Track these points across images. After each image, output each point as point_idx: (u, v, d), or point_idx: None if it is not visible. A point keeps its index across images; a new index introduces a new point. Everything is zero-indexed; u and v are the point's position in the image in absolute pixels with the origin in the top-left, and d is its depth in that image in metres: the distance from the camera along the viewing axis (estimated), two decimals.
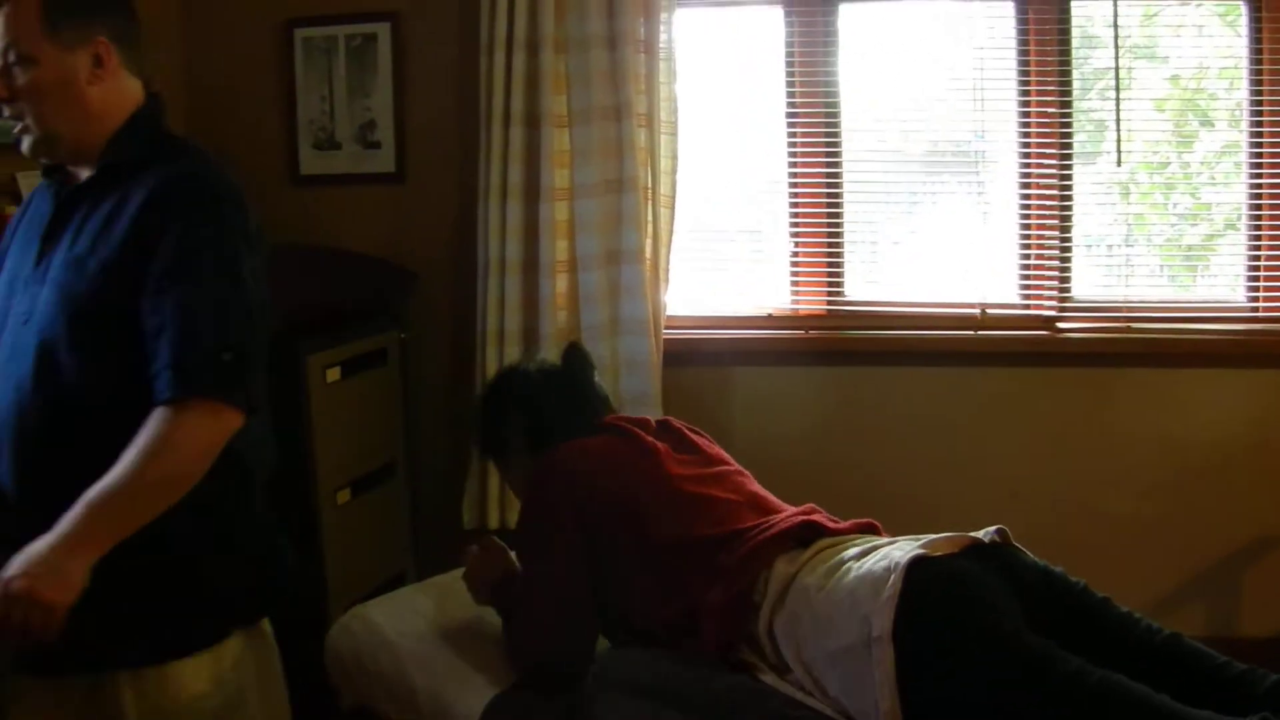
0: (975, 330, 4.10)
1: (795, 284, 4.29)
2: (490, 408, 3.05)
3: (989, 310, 4.10)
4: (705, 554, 2.50)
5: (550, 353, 4.02)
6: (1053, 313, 4.09)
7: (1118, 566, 4.02)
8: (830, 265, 4.26)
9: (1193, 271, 4.23)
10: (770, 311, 4.29)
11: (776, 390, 4.26)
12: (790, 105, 4.21)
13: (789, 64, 4.20)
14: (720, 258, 4.47)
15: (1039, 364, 4.10)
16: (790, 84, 4.21)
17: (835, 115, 4.19)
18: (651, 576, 2.55)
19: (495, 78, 4.03)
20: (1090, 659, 2.12)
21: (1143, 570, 4.09)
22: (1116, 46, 3.93)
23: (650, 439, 2.79)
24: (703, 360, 4.28)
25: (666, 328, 4.20)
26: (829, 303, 4.25)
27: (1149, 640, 2.27)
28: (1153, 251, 4.20)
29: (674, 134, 4.08)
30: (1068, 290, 4.13)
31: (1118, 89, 3.94)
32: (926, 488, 4.12)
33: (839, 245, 4.26)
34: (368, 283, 4.34)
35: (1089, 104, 4.10)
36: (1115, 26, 3.95)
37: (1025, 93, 4.05)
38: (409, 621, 2.93)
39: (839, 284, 4.26)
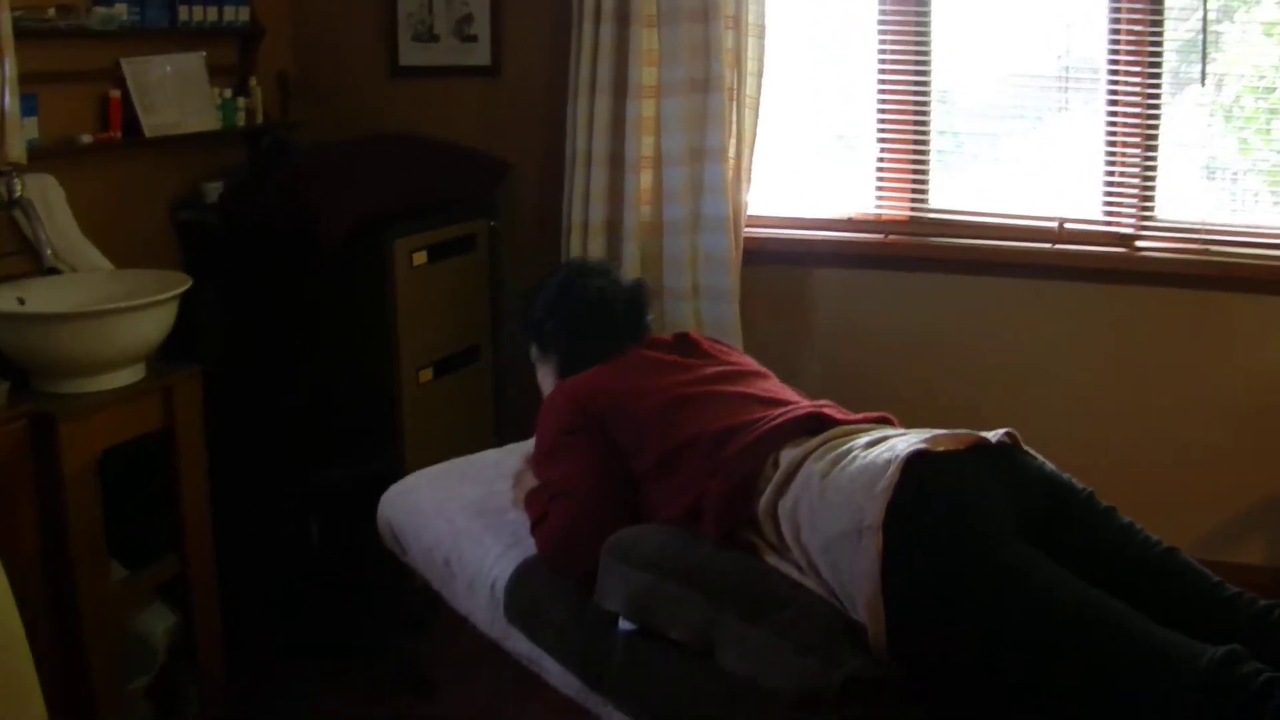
0: (1053, 244, 4.11)
1: (880, 189, 4.33)
2: (540, 310, 3.19)
3: (1067, 225, 4.11)
4: (708, 449, 2.58)
5: (630, 254, 4.14)
6: (1131, 230, 4.07)
7: (1183, 490, 4.08)
8: (915, 172, 4.29)
9: None
10: (852, 215, 4.34)
11: (853, 293, 4.32)
12: (882, 10, 4.22)
13: None
14: (804, 160, 4.50)
15: (1115, 281, 4.07)
16: None
17: (925, 23, 4.20)
18: (658, 481, 2.65)
19: None
20: (1083, 568, 2.15)
21: (1206, 496, 4.11)
22: None
23: (657, 355, 2.93)
24: (782, 260, 4.35)
25: (747, 226, 4.27)
26: (912, 209, 4.29)
27: (1144, 554, 2.27)
28: (1246, 176, 4.14)
29: (761, 36, 4.11)
30: (1149, 210, 4.09)
31: (1205, 10, 3.90)
32: (994, 399, 4.16)
33: (925, 152, 4.28)
34: (461, 172, 4.47)
35: (1190, 26, 4.03)
36: None
37: (1116, 10, 4.02)
38: (455, 492, 3.08)
39: (923, 191, 4.29)
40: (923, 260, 4.23)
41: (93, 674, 3.24)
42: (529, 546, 2.72)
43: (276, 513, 4.12)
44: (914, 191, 4.28)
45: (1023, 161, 4.23)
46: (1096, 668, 2.01)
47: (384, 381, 4.10)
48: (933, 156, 4.30)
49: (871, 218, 4.33)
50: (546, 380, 3.17)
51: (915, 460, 2.22)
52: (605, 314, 3.09)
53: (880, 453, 2.31)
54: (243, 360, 4.20)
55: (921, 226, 4.27)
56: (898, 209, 4.30)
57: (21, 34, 3.38)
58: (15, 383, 3.13)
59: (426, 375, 4.21)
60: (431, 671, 3.94)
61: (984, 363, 4.21)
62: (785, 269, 4.35)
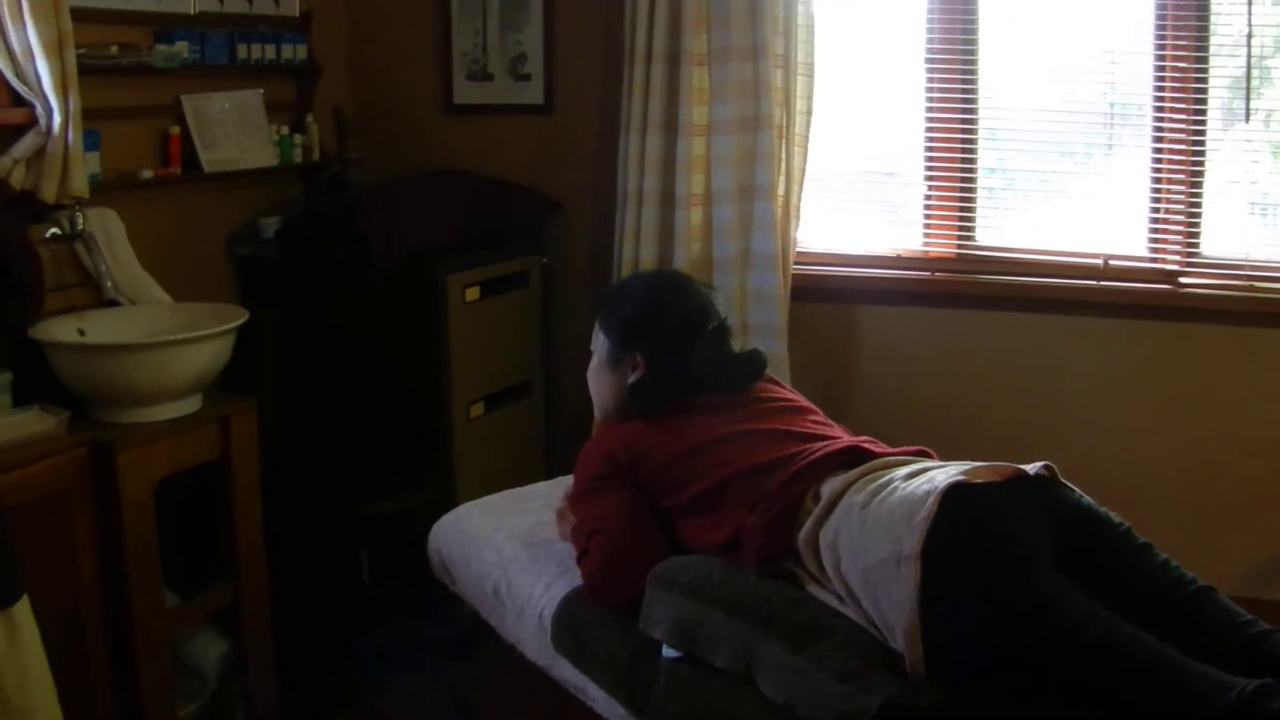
0: (1098, 280, 4.12)
1: (927, 226, 4.36)
2: (645, 329, 2.99)
3: (1112, 261, 4.12)
4: (748, 483, 2.59)
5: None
6: (1176, 267, 4.08)
7: (1223, 527, 4.06)
8: (962, 209, 4.31)
9: None
10: (899, 252, 4.37)
11: (900, 330, 4.34)
12: (929, 48, 4.26)
13: (929, 9, 4.24)
14: (852, 198, 4.54)
15: (1160, 318, 4.07)
16: (930, 28, 4.24)
17: (973, 60, 4.23)
18: (696, 516, 2.67)
19: (639, 16, 4.15)
20: (1117, 602, 2.16)
21: (1247, 533, 4.09)
22: (1249, 5, 3.91)
23: (704, 399, 2.88)
24: (830, 297, 4.38)
25: (796, 263, 4.31)
26: (958, 246, 4.31)
27: (1177, 590, 2.28)
28: None
29: (810, 75, 4.16)
30: (1194, 246, 4.09)
31: (1249, 48, 3.92)
32: (1038, 434, 4.16)
33: (972, 189, 4.31)
34: (513, 209, 4.53)
35: (1235, 61, 4.03)
36: None
37: (1161, 48, 4.04)
38: (504, 522, 3.11)
39: (970, 228, 4.31)
40: (969, 297, 4.25)
41: (145, 699, 3.29)
42: (576, 577, 2.75)
43: (328, 543, 4.17)
44: (960, 228, 4.30)
45: (1068, 198, 4.25)
46: (1128, 699, 2.03)
47: (436, 415, 4.15)
48: (979, 193, 4.32)
49: (919, 255, 4.36)
50: (599, 378, 3.06)
51: (953, 492, 2.25)
52: (705, 383, 2.93)
53: (920, 484, 2.33)
54: (297, 392, 4.26)
55: (968, 263, 4.29)
56: (945, 246, 4.33)
57: (85, 70, 3.46)
58: (75, 412, 3.19)
59: (478, 410, 4.26)
60: (479, 700, 3.97)
61: (1028, 398, 4.22)
62: (833, 306, 4.38)
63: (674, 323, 2.96)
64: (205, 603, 3.64)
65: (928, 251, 4.35)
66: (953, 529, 2.20)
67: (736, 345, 3.10)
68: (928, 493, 2.27)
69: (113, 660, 3.19)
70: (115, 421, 3.27)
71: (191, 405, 3.43)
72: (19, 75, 3.31)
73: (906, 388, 4.31)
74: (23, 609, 2.56)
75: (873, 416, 4.17)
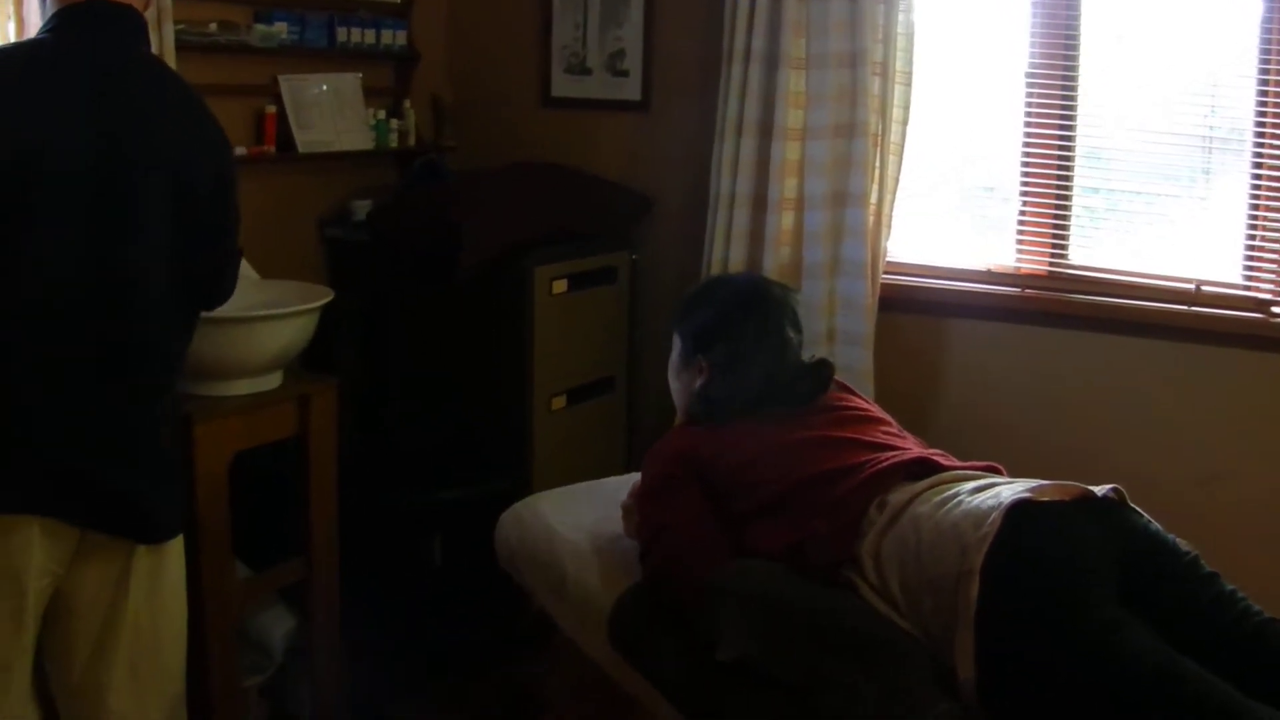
0: (1189, 306, 4.05)
1: (1020, 242, 4.31)
2: (705, 326, 3.03)
3: (1204, 287, 4.05)
4: (814, 491, 2.59)
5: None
6: (1270, 296, 3.98)
7: None
8: (1056, 227, 4.26)
9: None
10: (990, 267, 4.32)
11: (986, 345, 4.28)
12: (1031, 63, 4.21)
13: (1032, 25, 4.19)
14: (945, 210, 4.49)
15: (1250, 347, 3.97)
16: (1032, 44, 4.19)
17: (1073, 78, 4.17)
18: (761, 521, 2.66)
19: (738, 17, 4.14)
20: (1178, 630, 2.14)
21: None
22: None
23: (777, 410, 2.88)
24: (918, 308, 4.34)
25: (885, 273, 4.27)
26: (1050, 264, 4.26)
27: (1241, 622, 2.24)
28: None
29: (908, 84, 4.12)
30: None
31: None
32: (1119, 457, 4.06)
33: (1067, 208, 4.25)
34: (605, 205, 4.54)
35: None
36: None
37: (1265, 74, 3.96)
38: (573, 515, 3.12)
39: (1063, 246, 4.25)
40: (1058, 316, 4.18)
41: (210, 665, 3.32)
42: (638, 574, 2.76)
43: (402, 527, 4.20)
44: (1054, 246, 4.24)
45: (1164, 221, 4.19)
46: None
47: (516, 405, 4.17)
48: (1075, 212, 4.26)
49: (1010, 271, 4.30)
50: (675, 376, 3.11)
51: (1018, 508, 2.23)
52: (767, 399, 2.94)
53: (985, 499, 2.32)
54: (380, 376, 4.29)
55: (1059, 282, 4.22)
56: (1037, 263, 4.27)
57: (183, 47, 3.51)
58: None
59: (559, 402, 4.27)
60: (542, 694, 3.98)
61: (1110, 421, 4.14)
62: (920, 318, 4.34)
63: (739, 337, 2.99)
64: (276, 577, 3.68)
65: (1019, 268, 4.29)
66: (1014, 547, 2.18)
67: (813, 353, 3.10)
68: (992, 508, 2.25)
69: None
70: (195, 394, 3.31)
71: (272, 382, 3.46)
72: None
73: (988, 403, 4.26)
74: (174, 548, 2.67)
75: (953, 430, 4.14)
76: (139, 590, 2.56)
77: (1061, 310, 4.17)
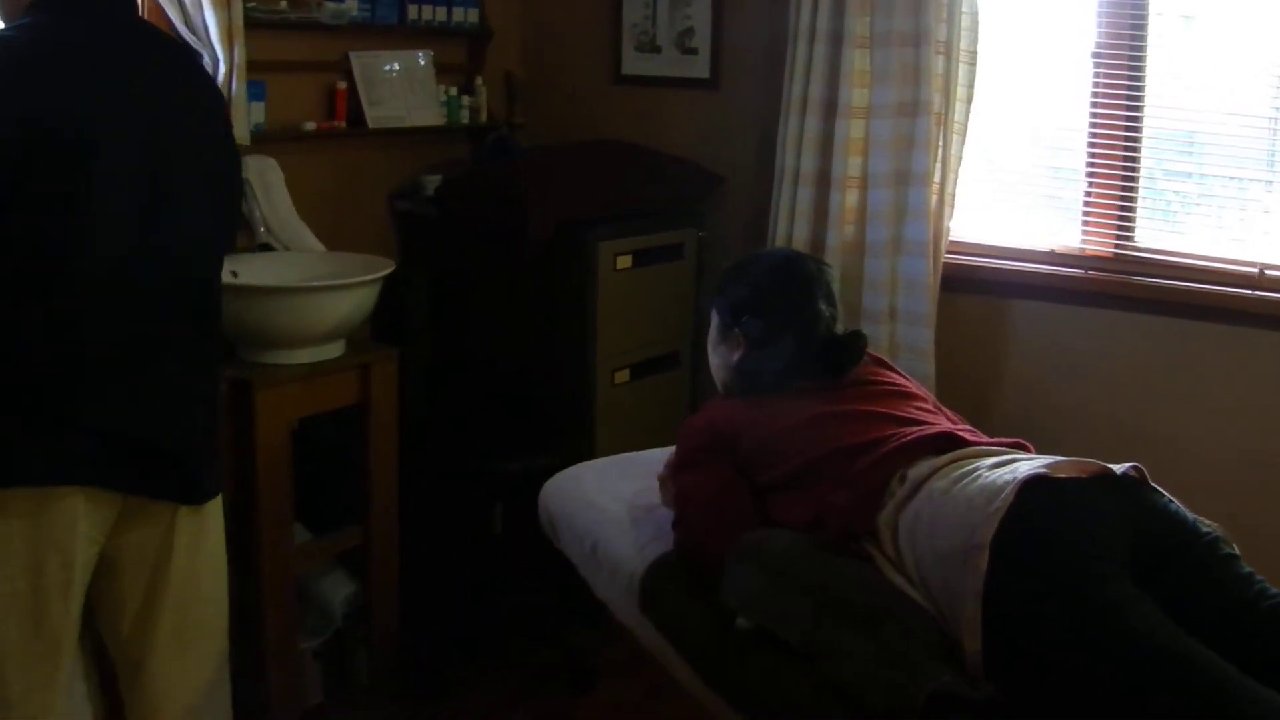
0: (1252, 290, 4.02)
1: (1086, 224, 4.29)
2: (751, 306, 3.03)
3: (1268, 271, 4.02)
4: (839, 463, 2.60)
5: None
6: None
7: None
8: (1122, 209, 4.24)
9: None
10: (1054, 248, 4.31)
11: (1049, 327, 4.27)
12: (1098, 44, 4.19)
13: (1099, 3, 4.16)
14: (1009, 190, 4.49)
15: None
16: (1100, 24, 4.17)
17: (1141, 59, 4.15)
18: (787, 492, 2.69)
19: None
20: (1192, 610, 2.13)
21: None
22: None
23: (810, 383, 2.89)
24: (980, 288, 4.33)
25: (948, 253, 4.29)
26: (1116, 246, 4.24)
27: (1255, 605, 2.21)
28: None
29: (972, 64, 4.13)
30: None
31: None
32: (1182, 442, 4.05)
33: (1133, 189, 4.23)
34: (673, 181, 4.58)
35: None
36: None
37: None
38: (612, 484, 3.17)
39: (1129, 228, 4.23)
40: (1122, 298, 4.16)
41: (268, 625, 3.43)
42: (670, 542, 2.80)
43: (463, 496, 4.28)
44: (1119, 228, 4.23)
45: (1229, 204, 4.16)
46: (1181, 713, 1.99)
47: (580, 378, 4.24)
48: (1141, 194, 4.24)
49: (1075, 252, 4.29)
50: (713, 349, 3.13)
51: (1033, 483, 2.24)
52: (799, 373, 2.93)
53: (1002, 474, 2.32)
54: (446, 347, 4.38)
55: (1124, 264, 4.20)
56: (1102, 245, 4.26)
57: (254, 24, 3.60)
58: (223, 351, 3.34)
59: (623, 376, 4.34)
60: (596, 664, 4.05)
61: (1173, 404, 4.11)
62: (982, 298, 4.34)
63: (772, 310, 2.99)
64: (336, 542, 3.77)
65: (1084, 249, 4.28)
66: (1026, 521, 2.19)
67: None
68: (1007, 482, 2.26)
69: (239, 589, 3.30)
70: (258, 361, 3.42)
71: (333, 351, 3.55)
72: (188, 24, 3.46)
73: (1050, 384, 4.25)
74: (214, 508, 2.74)
75: (1014, 410, 4.17)
76: (182, 550, 2.64)
77: (1125, 293, 4.15)
